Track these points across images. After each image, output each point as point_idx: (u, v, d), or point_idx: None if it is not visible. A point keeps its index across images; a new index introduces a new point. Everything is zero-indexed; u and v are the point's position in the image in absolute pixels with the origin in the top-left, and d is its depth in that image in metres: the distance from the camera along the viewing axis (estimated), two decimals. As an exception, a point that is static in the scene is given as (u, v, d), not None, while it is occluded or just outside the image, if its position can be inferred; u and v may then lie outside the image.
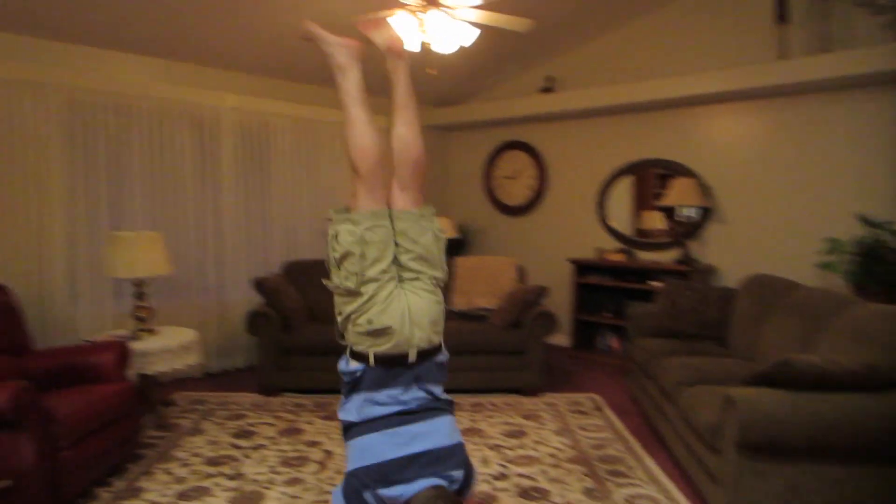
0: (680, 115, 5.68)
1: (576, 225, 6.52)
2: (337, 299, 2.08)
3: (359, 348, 2.05)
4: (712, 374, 3.53)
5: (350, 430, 2.05)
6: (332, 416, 4.35)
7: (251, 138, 5.60)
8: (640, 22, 5.77)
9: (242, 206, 5.57)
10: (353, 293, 2.01)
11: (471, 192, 7.50)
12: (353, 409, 2.06)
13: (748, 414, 2.62)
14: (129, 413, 3.47)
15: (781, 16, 4.81)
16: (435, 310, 2.10)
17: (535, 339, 4.80)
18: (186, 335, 4.35)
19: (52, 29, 4.33)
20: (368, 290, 2.00)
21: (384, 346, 2.02)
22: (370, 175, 2.13)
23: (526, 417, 4.37)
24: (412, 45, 3.70)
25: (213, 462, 3.59)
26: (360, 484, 1.91)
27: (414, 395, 2.06)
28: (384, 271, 2.03)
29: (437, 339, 2.13)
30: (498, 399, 4.76)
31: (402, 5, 3.70)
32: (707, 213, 5.52)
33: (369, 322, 2.00)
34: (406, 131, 2.28)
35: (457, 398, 4.67)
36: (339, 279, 2.03)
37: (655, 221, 5.97)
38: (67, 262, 4.54)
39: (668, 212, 5.84)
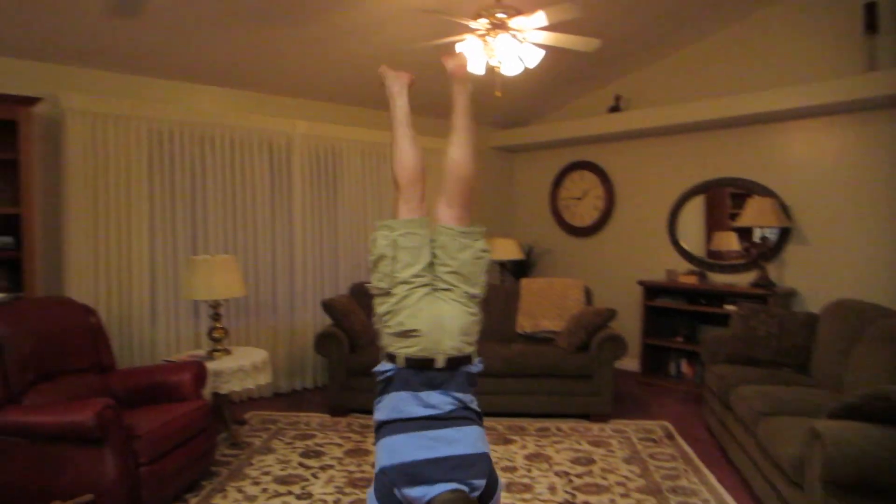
0: (756, 133, 5.49)
1: (645, 246, 6.37)
2: (374, 301, 2.18)
3: (391, 350, 2.14)
4: (794, 404, 3.36)
5: (381, 429, 2.11)
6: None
7: (320, 163, 5.75)
8: (714, 38, 5.64)
9: (312, 230, 5.71)
10: (386, 293, 2.13)
11: (537, 213, 7.46)
12: (385, 409, 2.12)
13: (836, 449, 2.46)
14: (204, 431, 3.58)
15: (870, 25, 4.59)
16: (466, 320, 2.17)
17: (603, 363, 4.70)
18: (258, 355, 4.47)
19: (135, 66, 4.61)
20: (399, 291, 2.12)
21: (413, 349, 2.10)
22: (408, 188, 2.28)
23: (594, 444, 4.27)
24: (478, 69, 3.73)
25: (282, 481, 3.65)
26: (390, 482, 1.97)
27: (442, 401, 2.10)
28: (416, 276, 2.13)
29: (468, 349, 2.19)
30: (565, 424, 4.67)
31: (470, 30, 3.75)
32: (786, 233, 5.30)
33: (399, 324, 2.10)
34: (458, 152, 2.37)
35: (522, 422, 4.64)
36: (374, 280, 2.16)
37: (729, 243, 5.77)
38: (149, 284, 4.76)
39: (743, 233, 5.63)
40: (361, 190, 6.03)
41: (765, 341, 4.27)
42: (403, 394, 2.10)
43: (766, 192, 5.37)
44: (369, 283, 2.21)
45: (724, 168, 5.72)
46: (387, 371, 2.15)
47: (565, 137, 6.63)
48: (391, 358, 2.14)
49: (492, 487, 2.06)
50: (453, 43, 3.75)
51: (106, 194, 4.52)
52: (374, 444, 2.11)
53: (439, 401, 2.10)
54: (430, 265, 2.19)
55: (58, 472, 2.94)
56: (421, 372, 2.11)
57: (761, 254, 5.37)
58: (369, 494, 2.03)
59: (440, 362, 2.10)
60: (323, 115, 5.82)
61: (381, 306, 2.16)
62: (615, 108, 6.23)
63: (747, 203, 5.34)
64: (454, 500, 1.93)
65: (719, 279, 5.73)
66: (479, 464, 2.04)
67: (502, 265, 6.90)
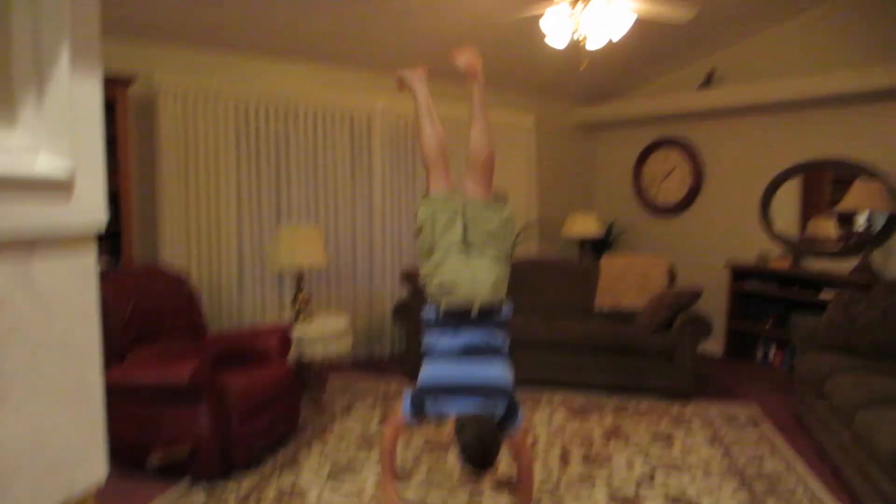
0: (863, 111, 5.11)
1: (733, 227, 6.11)
2: (420, 262, 2.72)
3: (435, 301, 2.67)
4: None
5: (424, 358, 2.71)
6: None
7: (400, 137, 5.80)
8: (816, 10, 5.25)
9: (391, 202, 5.79)
10: (428, 256, 2.64)
11: (619, 190, 7.27)
12: (428, 344, 2.70)
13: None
14: (289, 393, 3.73)
15: None
16: (496, 276, 2.64)
17: (686, 343, 4.57)
18: (339, 323, 4.60)
19: (223, 43, 4.76)
20: (438, 255, 2.62)
21: (452, 301, 2.60)
22: (436, 164, 2.79)
23: (674, 424, 4.17)
24: (561, 43, 3.64)
25: (363, 442, 3.77)
26: (423, 395, 2.58)
27: (475, 338, 2.61)
28: (451, 243, 2.62)
29: (498, 299, 2.68)
30: (644, 403, 4.59)
31: (555, 1, 3.66)
32: (894, 219, 4.94)
33: (441, 280, 2.60)
34: (478, 136, 2.78)
35: (600, 398, 4.59)
36: (419, 245, 2.68)
37: (827, 228, 5.43)
38: (236, 254, 4.97)
39: (844, 219, 5.29)
40: (441, 164, 6.04)
41: (865, 330, 4.03)
42: (444, 334, 2.65)
43: (873, 174, 5.00)
44: (417, 242, 2.73)
45: (826, 149, 5.36)
46: (431, 317, 2.70)
47: (652, 114, 6.41)
48: (435, 307, 2.67)
49: (512, 414, 2.57)
50: (538, 16, 3.67)
51: (196, 169, 4.73)
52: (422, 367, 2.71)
53: (472, 338, 2.61)
54: (464, 231, 2.64)
55: (158, 426, 3.14)
56: (459, 317, 2.62)
57: (865, 240, 5.03)
58: (405, 395, 2.66)
59: (475, 311, 2.59)
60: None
61: (424, 268, 2.69)
62: (707, 84, 5.96)
63: (852, 186, 5.01)
64: (473, 418, 2.43)
65: (816, 265, 5.43)
66: (501, 392, 2.56)
67: (581, 242, 6.79)
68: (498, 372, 2.61)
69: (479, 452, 2.38)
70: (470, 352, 2.60)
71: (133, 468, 3.27)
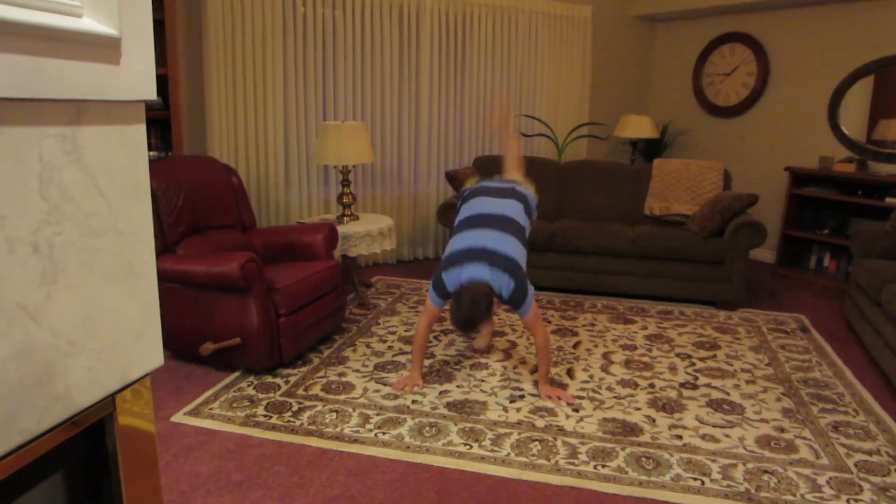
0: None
1: (797, 130, 5.79)
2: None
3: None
4: (959, 304, 3.04)
5: (451, 233, 3.19)
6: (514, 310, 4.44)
7: (449, 29, 5.55)
8: None
9: (438, 99, 5.62)
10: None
11: (676, 89, 6.92)
12: (456, 219, 3.20)
13: None
14: (336, 289, 3.78)
15: None
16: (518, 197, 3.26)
17: (738, 250, 4.44)
18: (385, 222, 4.60)
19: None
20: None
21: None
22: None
23: (719, 330, 4.13)
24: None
25: (407, 341, 3.84)
26: (441, 274, 2.97)
27: (497, 210, 3.14)
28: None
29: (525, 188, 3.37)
30: (689, 309, 4.54)
31: None
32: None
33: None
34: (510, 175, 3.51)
35: (644, 304, 4.56)
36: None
37: (896, 130, 5.11)
38: (283, 148, 4.93)
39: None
40: (490, 60, 5.80)
41: (931, 236, 3.84)
42: (471, 206, 3.21)
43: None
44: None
45: (905, 41, 4.96)
46: (466, 190, 3.33)
47: (719, 4, 5.95)
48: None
49: (520, 295, 2.89)
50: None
51: (243, 57, 4.62)
52: None
53: (495, 208, 3.12)
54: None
55: (209, 317, 3.24)
56: (489, 192, 3.25)
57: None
58: (430, 285, 3.07)
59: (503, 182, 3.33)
60: (453, -23, 5.54)
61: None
62: (781, -31, 5.48)
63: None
64: (477, 287, 2.77)
65: (882, 169, 5.14)
66: (505, 262, 2.87)
67: (633, 144, 6.55)
68: (508, 247, 2.93)
69: (466, 315, 2.75)
70: (486, 221, 3.02)
71: (187, 356, 3.42)
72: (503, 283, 2.88)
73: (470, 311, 2.74)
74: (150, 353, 0.96)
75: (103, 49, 0.81)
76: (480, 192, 3.28)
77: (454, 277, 2.92)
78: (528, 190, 3.36)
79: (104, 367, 0.88)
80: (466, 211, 3.20)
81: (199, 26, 4.50)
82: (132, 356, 0.93)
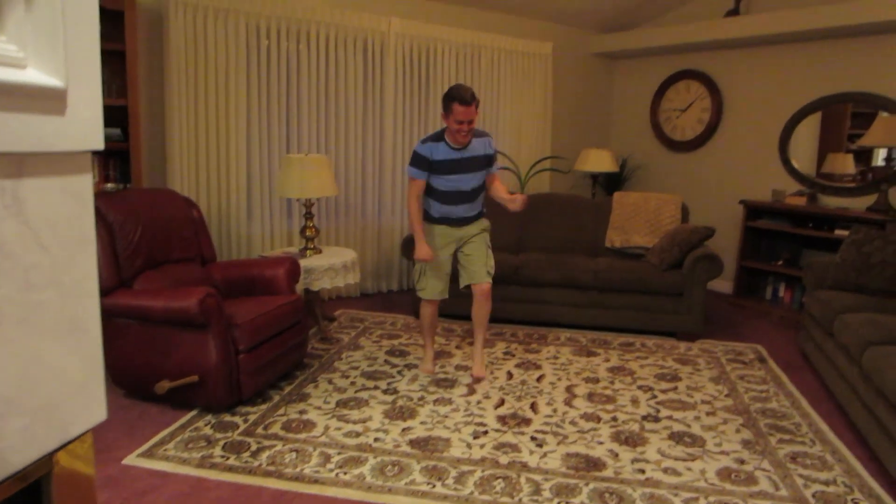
0: (891, 43, 4.90)
1: (750, 164, 5.97)
2: None
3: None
4: (907, 335, 3.14)
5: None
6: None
7: (414, 64, 5.61)
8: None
9: (403, 132, 5.65)
10: None
11: (635, 124, 7.09)
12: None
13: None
14: (297, 324, 3.72)
15: None
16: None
17: (696, 281, 4.53)
18: (348, 255, 4.58)
19: (234, -43, 4.54)
20: None
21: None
22: None
23: (680, 362, 4.19)
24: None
25: (370, 376, 3.80)
26: (413, 155, 3.61)
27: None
28: None
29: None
30: (650, 341, 4.59)
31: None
32: (914, 154, 4.81)
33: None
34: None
35: (606, 336, 4.60)
36: None
37: (844, 165, 5.31)
38: (245, 180, 4.89)
39: (861, 155, 5.16)
40: (452, 94, 5.86)
41: (878, 269, 3.97)
42: None
43: (897, 108, 4.85)
44: None
45: (850, 81, 5.17)
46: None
47: (674, 43, 6.15)
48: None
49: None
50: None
51: (206, 88, 4.59)
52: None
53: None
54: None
55: (166, 354, 3.16)
56: None
57: (884, 177, 4.91)
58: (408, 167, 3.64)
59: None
60: (419, 12, 5.62)
61: None
62: (734, 12, 5.69)
63: (876, 121, 4.85)
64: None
65: (831, 202, 5.32)
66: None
67: (594, 177, 6.67)
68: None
69: (459, 86, 3.43)
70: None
71: (142, 395, 3.32)
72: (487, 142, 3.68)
73: (465, 86, 3.42)
74: (92, 409, 0.93)
75: (48, 101, 0.79)
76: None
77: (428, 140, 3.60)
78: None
79: (42, 426, 0.84)
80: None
81: (161, 57, 4.47)
82: (73, 412, 0.89)
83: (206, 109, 4.61)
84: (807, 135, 5.54)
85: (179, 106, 4.47)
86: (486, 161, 3.67)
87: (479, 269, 3.76)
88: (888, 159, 4.94)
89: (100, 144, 0.88)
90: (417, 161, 3.56)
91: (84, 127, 0.85)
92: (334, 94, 5.22)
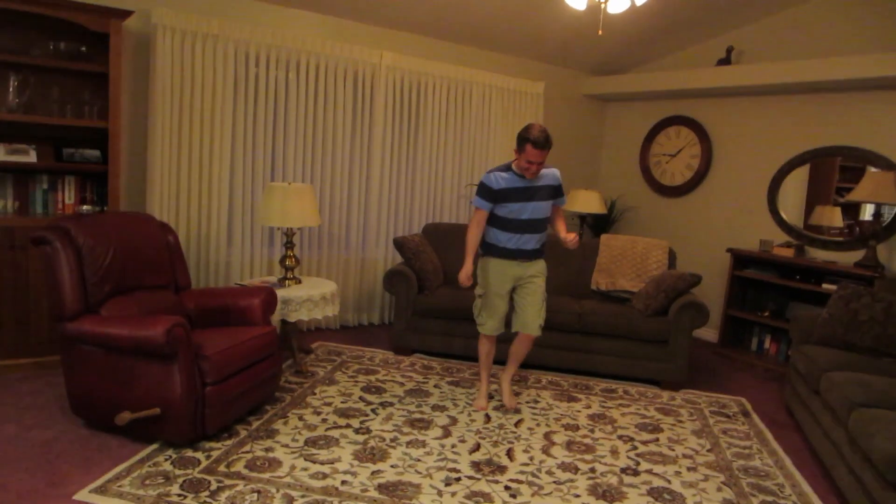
0: (885, 98, 4.91)
1: (739, 212, 5.95)
2: None
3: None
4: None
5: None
6: (459, 382, 4.32)
7: (404, 97, 5.59)
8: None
9: (390, 165, 5.60)
10: None
11: (624, 167, 7.09)
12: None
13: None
14: (271, 356, 3.60)
15: None
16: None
17: (681, 329, 4.45)
18: (328, 287, 4.48)
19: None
20: None
21: None
22: None
23: (662, 412, 4.09)
24: (580, 4, 3.44)
25: (343, 413, 3.67)
26: (480, 186, 3.69)
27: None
28: None
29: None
30: (633, 388, 4.49)
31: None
32: (904, 212, 4.79)
33: None
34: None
35: (588, 381, 4.50)
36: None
37: (832, 218, 5.29)
38: (227, 207, 4.80)
39: (849, 209, 5.15)
40: (443, 129, 5.85)
41: (866, 326, 3.91)
42: None
43: (888, 165, 4.84)
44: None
45: (839, 135, 5.18)
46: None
47: (666, 89, 6.18)
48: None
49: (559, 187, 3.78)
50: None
51: (190, 114, 4.53)
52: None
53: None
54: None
55: (129, 384, 3.03)
56: None
57: (872, 233, 4.89)
58: (475, 197, 3.73)
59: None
60: (411, 47, 5.62)
61: None
62: (725, 61, 5.73)
63: (865, 176, 4.85)
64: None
65: (819, 255, 5.29)
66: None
67: (582, 218, 6.63)
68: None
69: (539, 127, 3.46)
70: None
71: (102, 425, 3.18)
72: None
73: (540, 126, 3.47)
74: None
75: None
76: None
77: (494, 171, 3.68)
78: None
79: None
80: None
81: (146, 81, 4.41)
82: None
83: (190, 134, 4.54)
84: (795, 186, 5.54)
85: (162, 130, 4.40)
86: (554, 192, 3.75)
87: (533, 321, 3.79)
88: (876, 215, 4.92)
89: None
90: (483, 191, 3.64)
91: None
92: (322, 123, 5.17)
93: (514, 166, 3.62)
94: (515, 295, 3.82)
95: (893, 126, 4.87)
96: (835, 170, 5.30)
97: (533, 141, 3.41)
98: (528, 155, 3.46)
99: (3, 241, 3.74)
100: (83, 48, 4.00)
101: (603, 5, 3.43)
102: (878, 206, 4.90)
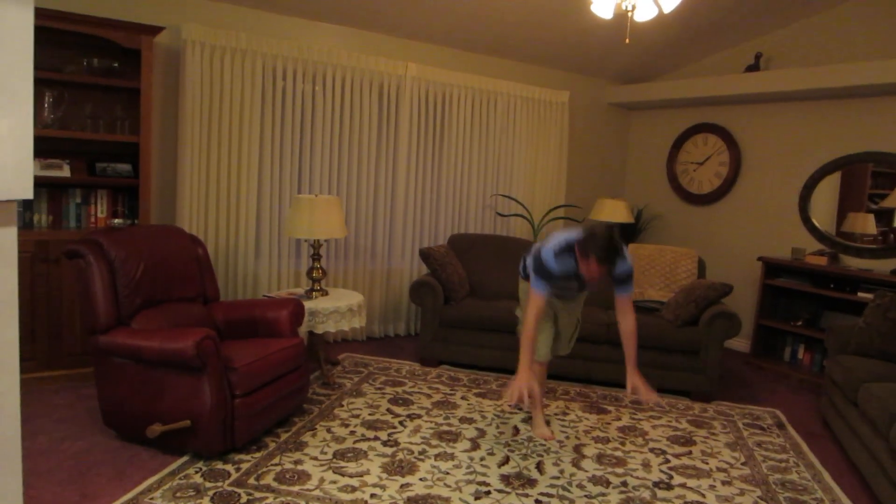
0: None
1: (769, 220, 5.85)
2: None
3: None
4: (937, 408, 2.96)
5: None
6: (486, 394, 4.29)
7: (429, 108, 5.61)
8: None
9: (415, 176, 5.62)
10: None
11: (651, 175, 7.02)
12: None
13: None
14: (298, 368, 3.61)
15: None
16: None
17: (712, 340, 4.38)
18: (355, 298, 4.48)
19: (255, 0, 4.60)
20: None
21: None
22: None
23: (695, 424, 4.01)
24: (606, 12, 3.41)
25: (370, 426, 3.66)
26: (541, 261, 3.19)
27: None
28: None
29: None
30: (664, 400, 4.42)
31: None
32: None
33: None
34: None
35: (618, 392, 4.43)
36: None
37: (865, 225, 5.18)
38: (255, 219, 4.84)
39: (882, 215, 5.04)
40: (468, 139, 5.85)
41: (905, 335, 3.80)
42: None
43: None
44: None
45: (871, 141, 5.09)
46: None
47: (693, 96, 6.11)
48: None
49: (629, 274, 3.18)
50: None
51: (219, 128, 4.59)
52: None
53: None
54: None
55: (159, 396, 3.05)
56: None
57: (908, 238, 4.78)
58: (533, 280, 3.24)
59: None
60: (435, 58, 5.64)
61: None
62: (754, 68, 5.65)
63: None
64: (601, 225, 2.88)
65: (853, 263, 5.18)
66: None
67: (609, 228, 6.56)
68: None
69: (608, 241, 2.94)
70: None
71: (133, 437, 3.20)
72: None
73: (609, 240, 2.96)
74: None
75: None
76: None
77: (559, 244, 3.18)
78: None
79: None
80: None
81: (175, 95, 4.48)
82: None
83: (219, 148, 4.60)
84: (827, 193, 5.43)
85: (192, 144, 4.46)
86: (619, 279, 3.24)
87: (565, 345, 3.81)
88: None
89: (27, 193, 0.79)
90: (542, 272, 3.19)
91: (9, 176, 0.76)
92: (348, 135, 5.20)
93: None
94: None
95: (929, 130, 4.77)
96: (867, 176, 5.19)
97: (599, 258, 2.94)
98: (591, 269, 3.03)
99: (37, 254, 3.80)
100: (115, 64, 4.08)
101: (630, 13, 3.40)
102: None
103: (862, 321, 4.04)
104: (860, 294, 4.80)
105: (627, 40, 4.00)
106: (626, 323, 3.24)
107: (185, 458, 3.10)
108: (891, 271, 4.74)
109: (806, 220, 5.53)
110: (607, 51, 5.91)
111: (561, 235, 3.22)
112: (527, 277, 3.48)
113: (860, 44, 5.06)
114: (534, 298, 3.23)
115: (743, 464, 3.46)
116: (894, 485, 2.83)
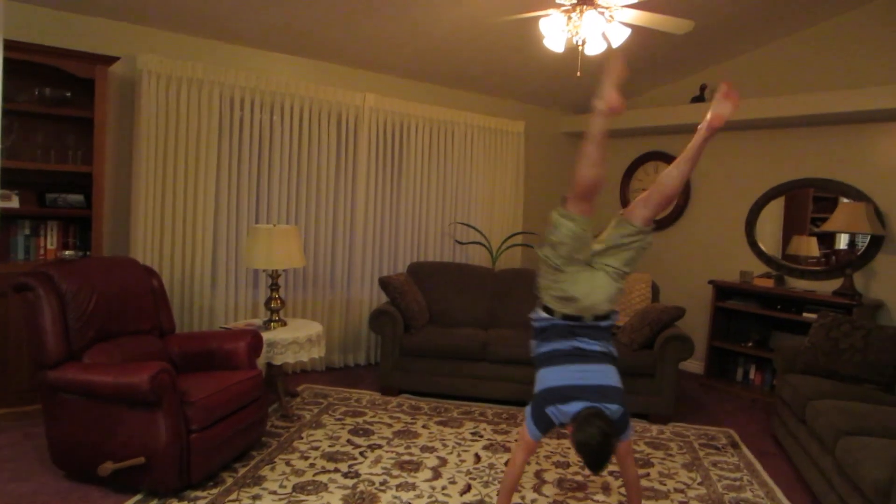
0: (853, 132, 5.08)
1: (719, 245, 6.05)
2: (542, 269, 2.69)
3: (550, 307, 2.69)
4: (880, 424, 3.09)
5: (539, 362, 2.73)
6: (447, 422, 4.29)
7: (387, 138, 5.67)
8: (812, 31, 5.22)
9: (374, 205, 5.64)
10: (558, 269, 2.59)
11: (605, 202, 7.15)
12: (543, 347, 2.73)
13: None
14: (257, 401, 3.56)
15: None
16: (612, 291, 2.64)
17: (667, 362, 4.48)
18: (314, 328, 4.45)
19: (211, 30, 4.60)
20: (570, 269, 2.60)
21: (569, 309, 2.64)
22: (586, 194, 2.76)
23: (652, 446, 4.08)
24: (558, 46, 3.54)
25: (330, 457, 3.62)
26: (542, 401, 2.61)
27: (589, 344, 2.66)
28: (582, 260, 2.63)
29: (609, 309, 2.68)
30: (622, 423, 4.48)
31: (556, 5, 3.56)
32: (877, 241, 4.90)
33: (563, 290, 2.61)
34: (675, 172, 2.90)
35: (578, 418, 4.47)
36: (551, 257, 2.61)
37: (808, 248, 5.41)
38: (211, 250, 4.78)
39: (824, 238, 5.27)
40: (426, 168, 5.92)
41: (847, 354, 3.96)
42: (558, 341, 2.68)
43: (859, 196, 4.98)
44: (541, 250, 2.68)
45: (812, 168, 5.33)
46: (544, 323, 2.72)
47: (642, 126, 6.32)
48: (549, 311, 2.70)
49: (624, 422, 2.61)
50: (537, 18, 3.56)
51: (175, 157, 4.55)
52: (536, 372, 2.75)
53: (586, 344, 2.66)
54: (603, 251, 2.72)
55: (112, 432, 2.97)
56: (572, 324, 2.66)
57: (848, 261, 4.99)
58: (527, 410, 2.69)
59: (588, 319, 2.65)
60: (393, 89, 5.72)
61: (548, 277, 2.66)
62: (699, 99, 5.89)
63: (838, 207, 4.98)
64: (592, 415, 2.43)
65: (798, 285, 5.38)
66: (614, 394, 2.59)
67: (565, 254, 6.68)
68: (611, 373, 2.67)
69: (601, 450, 2.38)
70: (586, 354, 2.66)
71: (83, 476, 3.10)
72: (614, 415, 2.54)
73: (602, 446, 2.36)
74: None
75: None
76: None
77: (563, 413, 2.56)
78: (614, 309, 2.78)
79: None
80: (558, 344, 2.72)
81: (130, 125, 4.43)
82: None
83: (175, 178, 4.56)
84: (772, 218, 5.66)
85: (147, 174, 4.41)
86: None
87: None
88: (851, 244, 5.03)
89: None
90: (541, 422, 2.66)
91: None
92: (306, 165, 5.21)
93: None
94: None
95: (862, 158, 5.03)
96: (809, 200, 5.43)
97: (587, 464, 2.44)
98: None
99: (-18, 288, 3.69)
100: (68, 94, 4.02)
101: (581, 47, 3.53)
102: (853, 236, 5.02)
103: (807, 341, 4.20)
104: (805, 314, 4.98)
105: (579, 73, 4.13)
106: (629, 473, 2.80)
107: (138, 497, 3.02)
108: (833, 292, 4.95)
109: (753, 245, 5.74)
110: (561, 83, 6.08)
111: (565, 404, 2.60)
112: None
113: (798, 77, 5.32)
114: (527, 442, 2.72)
115: (699, 484, 3.53)
116: (843, 500, 2.92)
